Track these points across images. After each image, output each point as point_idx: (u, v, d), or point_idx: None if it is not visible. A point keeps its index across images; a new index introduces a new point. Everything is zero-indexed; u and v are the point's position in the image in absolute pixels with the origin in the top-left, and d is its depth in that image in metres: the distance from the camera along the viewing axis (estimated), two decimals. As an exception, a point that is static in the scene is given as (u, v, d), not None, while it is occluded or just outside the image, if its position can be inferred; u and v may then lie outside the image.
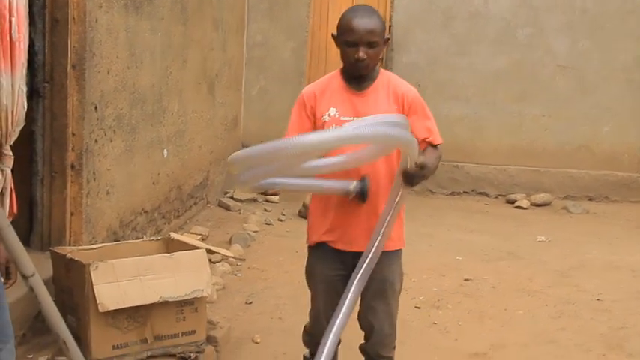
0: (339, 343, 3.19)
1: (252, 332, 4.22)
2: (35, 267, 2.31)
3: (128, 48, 4.64)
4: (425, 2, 8.63)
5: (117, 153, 4.57)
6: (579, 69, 8.61)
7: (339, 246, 2.96)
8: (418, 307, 4.73)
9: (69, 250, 3.58)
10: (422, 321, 4.53)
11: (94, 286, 3.20)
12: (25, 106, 3.05)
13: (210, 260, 3.99)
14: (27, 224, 4.03)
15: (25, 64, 3.02)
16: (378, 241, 2.82)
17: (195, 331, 3.53)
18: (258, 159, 2.49)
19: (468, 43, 8.64)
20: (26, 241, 3.87)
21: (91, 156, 4.17)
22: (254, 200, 7.68)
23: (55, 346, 3.37)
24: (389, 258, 3.00)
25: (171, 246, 3.83)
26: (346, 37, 2.82)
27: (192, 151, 6.39)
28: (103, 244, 3.92)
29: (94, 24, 4.08)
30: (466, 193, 8.68)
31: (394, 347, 3.12)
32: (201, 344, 3.57)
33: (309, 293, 4.82)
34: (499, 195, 8.64)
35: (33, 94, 3.88)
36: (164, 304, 3.39)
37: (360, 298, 3.07)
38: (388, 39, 2.93)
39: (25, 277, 2.06)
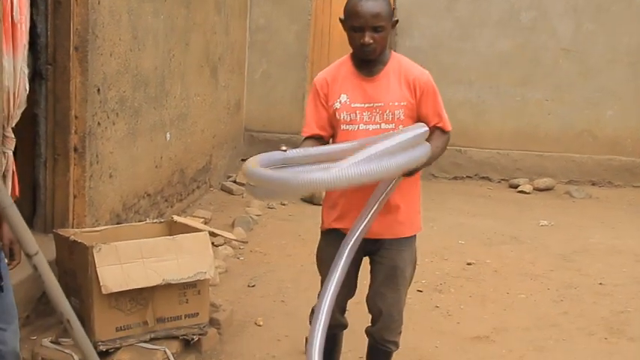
0: (345, 328, 3.20)
1: (254, 315, 4.23)
2: (38, 246, 2.31)
3: (131, 30, 4.62)
4: (429, -16, 8.58)
5: (120, 136, 4.56)
6: (583, 52, 8.56)
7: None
8: (420, 291, 4.74)
9: (72, 233, 3.59)
10: (424, 304, 4.54)
11: (97, 269, 3.21)
12: (27, 89, 3.05)
13: (212, 243, 3.99)
14: (30, 207, 4.03)
15: (27, 46, 3.01)
16: (366, 219, 2.79)
17: (197, 314, 3.54)
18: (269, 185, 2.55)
19: (471, 26, 8.59)
20: (29, 224, 3.86)
21: (94, 139, 4.16)
22: (257, 184, 7.66)
23: (58, 328, 3.39)
24: (400, 244, 2.99)
25: (174, 229, 3.83)
26: (352, 21, 2.80)
27: (195, 135, 6.38)
28: (106, 227, 3.93)
29: (96, 6, 4.06)
30: (469, 177, 8.67)
31: (400, 332, 3.13)
32: (204, 327, 3.58)
33: (311, 276, 4.84)
34: (502, 179, 8.63)
35: (35, 76, 3.88)
36: (167, 287, 3.40)
37: (369, 281, 3.07)
38: (396, 21, 2.90)
39: (28, 256, 2.06)
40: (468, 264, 5.44)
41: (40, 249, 2.11)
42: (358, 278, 3.11)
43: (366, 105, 2.87)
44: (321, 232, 3.12)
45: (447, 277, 5.13)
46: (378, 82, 2.89)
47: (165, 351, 3.36)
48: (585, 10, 8.52)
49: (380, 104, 2.86)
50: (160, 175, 5.44)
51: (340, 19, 2.90)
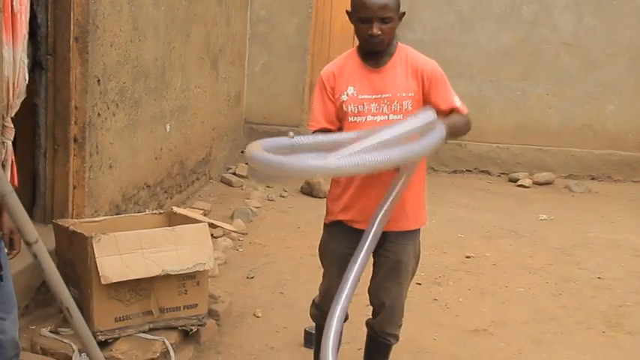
0: (346, 320, 3.20)
1: (253, 307, 4.24)
2: (38, 234, 2.31)
3: (131, 21, 4.61)
4: (430, -22, 8.56)
5: (119, 127, 4.56)
6: (584, 47, 8.54)
7: (355, 224, 2.95)
8: (419, 284, 4.74)
9: (71, 223, 3.60)
10: (423, 297, 4.55)
11: (97, 259, 3.21)
12: (27, 78, 3.05)
13: (212, 235, 4.00)
14: (30, 197, 4.04)
15: (27, 36, 3.01)
16: (380, 215, 2.76)
17: (196, 305, 3.55)
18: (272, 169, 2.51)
19: (472, 20, 8.57)
20: (29, 214, 3.84)
21: (94, 129, 4.16)
22: (257, 176, 7.66)
23: (57, 318, 3.40)
24: (405, 238, 3.00)
25: (174, 220, 3.84)
26: (359, 13, 2.79)
27: (194, 127, 6.38)
28: (106, 218, 3.93)
29: (96, -4, 4.05)
30: (469, 171, 8.67)
31: (400, 325, 3.14)
32: (203, 318, 3.59)
33: (310, 268, 4.85)
34: (502, 173, 8.63)
35: (35, 66, 3.87)
36: (166, 278, 3.40)
37: (372, 274, 3.08)
38: (404, 13, 2.89)
39: (28, 244, 2.07)
40: (467, 257, 5.45)
41: (39, 237, 2.12)
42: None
43: (374, 96, 2.86)
44: (325, 224, 3.11)
45: (446, 270, 5.13)
46: (385, 73, 2.88)
47: (164, 341, 3.37)
48: (586, 4, 8.50)
49: (387, 95, 2.85)
50: (160, 167, 5.45)
51: (347, 12, 2.89)
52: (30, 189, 4.03)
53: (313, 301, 3.27)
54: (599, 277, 5.15)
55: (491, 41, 8.59)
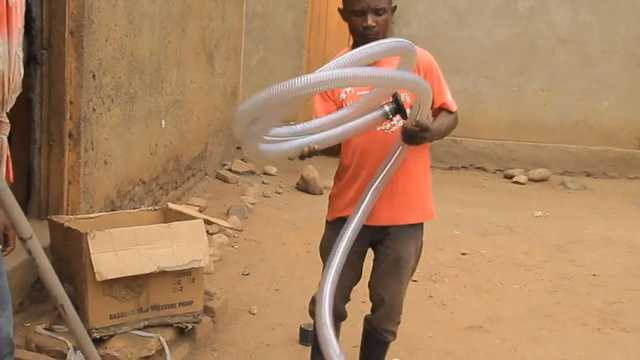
0: (344, 319, 3.20)
1: (248, 303, 4.23)
2: (32, 230, 2.30)
3: (127, 16, 4.59)
4: (426, -27, 8.56)
5: (115, 122, 4.54)
6: (580, 43, 8.56)
7: None
8: (415, 281, 4.72)
9: (66, 219, 3.57)
10: (418, 294, 4.55)
11: (92, 255, 3.19)
12: (22, 73, 3.01)
13: (207, 232, 3.98)
14: (24, 193, 4.01)
15: (22, 30, 2.97)
16: (365, 201, 2.76)
17: (192, 302, 3.53)
18: (264, 105, 2.41)
19: (468, 15, 8.57)
20: (24, 210, 3.80)
21: (89, 125, 4.14)
22: (252, 172, 7.67)
23: (52, 315, 3.39)
24: (407, 235, 2.99)
25: (169, 216, 3.82)
26: (353, 6, 2.78)
27: (190, 122, 6.35)
28: (101, 214, 3.91)
29: (92, -10, 4.03)
30: (464, 167, 8.68)
31: (398, 322, 3.13)
32: (198, 315, 3.58)
33: (305, 265, 4.85)
34: (497, 170, 8.64)
35: (30, 60, 3.85)
36: (161, 274, 3.39)
37: (372, 269, 3.07)
38: (395, 7, 2.88)
39: (23, 241, 2.05)
40: (463, 254, 5.45)
41: (34, 233, 2.10)
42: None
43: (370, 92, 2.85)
44: (328, 222, 3.09)
45: (442, 266, 5.13)
46: (381, 66, 2.87)
47: (159, 339, 3.36)
48: (582, 0, 8.51)
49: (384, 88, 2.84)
50: (155, 163, 5.42)
51: (339, 9, 2.88)
52: (25, 184, 4.01)
53: (312, 298, 3.25)
54: (594, 274, 5.16)
55: (486, 37, 8.59)
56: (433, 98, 2.82)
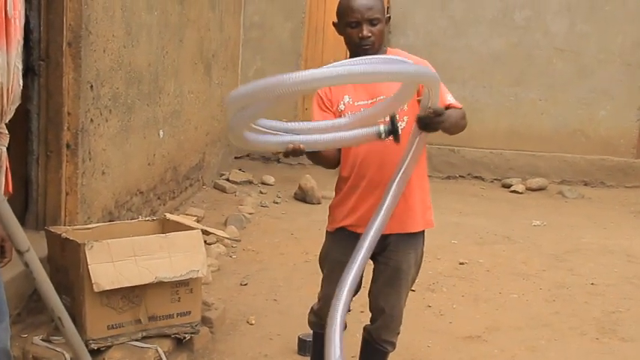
0: (344, 329, 3.18)
1: (247, 314, 4.22)
2: (30, 243, 2.29)
3: (124, 26, 4.60)
4: (423, -17, 8.59)
5: (112, 133, 4.54)
6: (577, 52, 8.59)
7: (359, 229, 2.93)
8: (413, 290, 4.67)
9: (64, 230, 3.57)
10: (416, 304, 4.54)
11: (89, 266, 3.19)
12: (21, 84, 3.01)
13: (205, 242, 3.98)
14: (22, 203, 4.01)
15: (21, 42, 2.98)
16: (384, 210, 2.70)
17: (190, 312, 3.53)
18: (257, 96, 2.38)
19: (465, 25, 8.60)
20: (21, 221, 3.82)
21: (87, 135, 4.14)
22: (250, 182, 7.67)
23: (49, 326, 3.37)
24: (407, 245, 2.98)
25: (167, 226, 3.82)
26: (347, 18, 2.79)
27: (188, 132, 6.36)
28: (99, 224, 3.91)
29: (89, 1, 4.03)
30: (462, 176, 8.69)
31: (398, 333, 3.13)
32: (196, 325, 3.57)
33: (303, 275, 4.84)
34: (495, 179, 8.65)
35: (28, 72, 3.85)
36: (159, 285, 3.38)
37: (372, 279, 3.06)
38: (389, 17, 2.90)
39: (20, 253, 2.05)
40: (461, 263, 5.45)
41: (31, 246, 2.10)
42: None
43: (370, 101, 2.85)
44: (328, 232, 3.08)
45: (440, 276, 5.13)
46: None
47: (157, 349, 3.34)
48: (579, 9, 8.54)
49: (382, 97, 2.85)
50: (153, 173, 5.42)
51: (334, 23, 2.89)
52: (22, 195, 4.00)
53: (312, 308, 3.25)
54: (592, 283, 5.15)
55: (483, 46, 8.62)
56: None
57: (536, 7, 8.57)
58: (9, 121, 2.98)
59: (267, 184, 7.69)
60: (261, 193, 7.34)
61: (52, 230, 3.58)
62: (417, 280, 4.66)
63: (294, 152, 2.57)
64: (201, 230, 3.72)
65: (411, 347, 3.92)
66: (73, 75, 3.98)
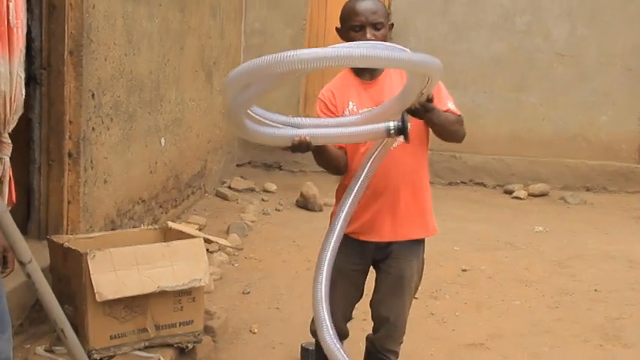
0: (346, 337, 3.17)
1: (249, 322, 4.21)
2: (32, 254, 2.29)
3: (125, 35, 4.60)
4: (424, -11, 8.60)
5: (114, 141, 4.54)
6: (577, 57, 8.59)
7: (361, 237, 2.93)
8: (416, 298, 4.66)
9: (66, 239, 3.57)
10: (419, 311, 4.52)
11: (92, 275, 3.18)
12: (24, 93, 3.02)
13: (207, 250, 3.97)
14: (24, 212, 4.01)
15: (24, 51, 2.98)
16: (348, 203, 2.67)
17: (192, 321, 3.52)
18: (259, 71, 2.31)
19: (466, 29, 8.60)
20: (23, 230, 3.84)
21: (89, 144, 4.14)
22: (252, 190, 7.67)
23: (52, 336, 3.36)
24: (410, 253, 2.98)
25: (169, 235, 3.81)
26: (351, 21, 2.79)
27: (189, 140, 6.36)
28: (101, 233, 3.91)
29: (91, 10, 4.04)
30: (463, 183, 8.68)
31: (401, 342, 3.12)
32: (199, 334, 3.56)
33: (306, 283, 4.80)
34: (497, 185, 8.63)
35: (30, 80, 3.85)
36: (162, 294, 3.37)
37: (374, 288, 3.05)
38: (392, 24, 2.89)
39: (22, 264, 2.04)
40: (463, 270, 5.43)
41: (33, 257, 2.10)
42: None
43: (374, 108, 2.85)
44: None
45: (442, 283, 5.12)
46: (381, 83, 2.88)
47: (159, 359, 3.34)
48: (579, 14, 8.55)
49: None
50: (155, 181, 5.42)
51: (337, 28, 2.89)
52: (24, 204, 4.00)
53: (313, 317, 3.23)
54: (595, 290, 5.14)
55: (484, 51, 8.62)
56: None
57: (536, 12, 8.58)
58: (11, 130, 2.98)
59: (269, 192, 7.68)
60: (263, 200, 7.34)
61: (55, 239, 3.58)
62: (419, 288, 4.67)
63: (300, 145, 2.53)
64: (204, 238, 3.71)
65: (414, 355, 3.91)
66: (75, 83, 3.98)
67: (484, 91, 8.67)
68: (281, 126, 2.60)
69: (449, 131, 2.87)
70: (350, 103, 2.87)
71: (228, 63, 7.69)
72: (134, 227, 4.63)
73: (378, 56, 2.31)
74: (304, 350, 3.74)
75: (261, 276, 5.07)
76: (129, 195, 4.84)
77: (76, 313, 3.32)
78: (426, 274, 5.21)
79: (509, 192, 8.39)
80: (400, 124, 2.59)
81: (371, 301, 3.10)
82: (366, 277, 3.09)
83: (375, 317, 3.10)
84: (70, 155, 4.02)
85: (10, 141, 2.88)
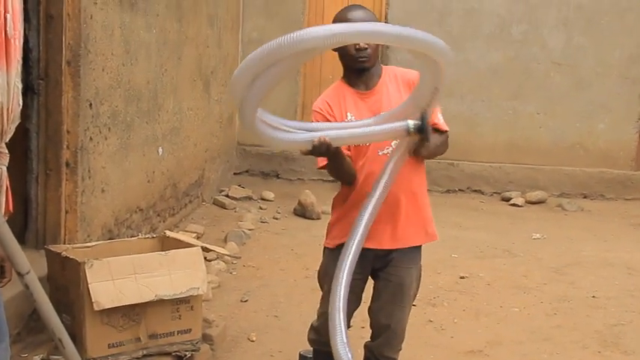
0: None
1: (247, 330, 4.21)
2: (30, 265, 2.29)
3: (123, 45, 4.62)
4: (420, -1, 8.63)
5: (112, 150, 4.55)
6: (574, 66, 8.61)
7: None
8: (414, 305, 4.66)
9: (64, 249, 3.57)
10: (418, 319, 4.52)
11: (89, 285, 3.18)
12: (21, 104, 3.03)
13: (205, 258, 3.97)
14: (22, 222, 4.01)
15: (21, 61, 2.99)
16: (361, 229, 2.69)
17: (190, 330, 3.52)
18: (266, 59, 2.33)
19: (462, 39, 8.63)
20: (21, 239, 3.85)
21: (86, 153, 4.15)
22: (249, 198, 7.67)
23: (49, 345, 3.36)
24: (409, 261, 2.99)
25: (167, 244, 3.81)
26: None
27: (187, 149, 6.37)
28: (98, 242, 3.90)
29: (88, 20, 4.06)
30: (461, 190, 8.68)
31: (400, 349, 3.12)
32: (197, 343, 3.56)
33: (304, 291, 4.82)
34: (494, 192, 8.64)
35: (27, 90, 3.86)
36: (159, 303, 3.37)
37: (373, 296, 3.05)
38: None
39: (20, 275, 2.05)
40: (461, 277, 5.44)
41: (31, 267, 2.10)
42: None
43: (372, 119, 2.85)
44: (327, 248, 3.08)
45: (441, 290, 5.12)
46: (378, 94, 2.89)
47: (157, 367, 3.34)
48: (576, 23, 8.58)
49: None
50: (153, 190, 5.43)
51: None
52: (22, 214, 4.00)
53: (312, 325, 3.23)
54: (593, 296, 5.14)
55: (481, 61, 8.65)
56: None
57: (533, 22, 8.61)
58: (9, 139, 2.99)
59: (267, 200, 7.68)
60: (260, 209, 7.34)
61: (52, 249, 3.58)
62: (417, 295, 4.66)
63: (320, 146, 2.53)
64: (201, 247, 3.72)
65: (413, 363, 3.91)
66: (72, 93, 3.99)
67: (482, 100, 8.70)
68: (296, 131, 2.60)
69: (435, 154, 2.94)
70: (348, 114, 2.86)
71: (225, 72, 7.71)
72: (132, 236, 4.63)
73: (383, 32, 2.38)
74: (303, 358, 3.73)
75: (259, 284, 5.06)
76: (126, 204, 4.84)
77: (73, 322, 3.32)
78: (425, 281, 5.21)
79: (507, 199, 8.40)
80: (420, 122, 2.58)
81: (369, 308, 3.10)
82: (364, 286, 3.09)
83: (374, 325, 3.10)
84: (67, 165, 4.02)
85: (7, 151, 2.89)
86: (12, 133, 2.98)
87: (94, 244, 3.83)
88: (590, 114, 8.65)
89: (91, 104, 4.18)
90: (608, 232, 7.21)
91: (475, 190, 8.68)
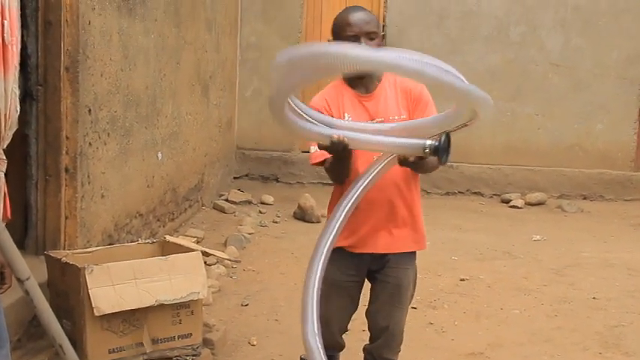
0: (342, 349, 3.17)
1: (248, 334, 4.21)
2: (30, 271, 2.29)
3: (122, 50, 4.62)
4: (418, 2, 8.64)
5: (111, 156, 4.55)
6: (572, 67, 8.62)
7: (357, 249, 2.93)
8: (414, 308, 4.71)
9: (64, 254, 3.57)
10: (418, 321, 4.53)
11: (90, 290, 3.18)
12: (18, 110, 3.03)
13: (205, 263, 3.97)
14: (21, 228, 4.00)
15: (18, 67, 3.00)
16: (343, 212, 2.65)
17: (191, 334, 3.52)
18: (310, 59, 2.30)
19: (460, 42, 8.65)
20: (21, 245, 3.85)
21: (85, 159, 4.15)
22: (249, 202, 7.67)
23: (50, 351, 3.36)
24: (406, 262, 2.99)
25: (167, 249, 3.82)
26: (345, 32, 2.78)
27: (186, 154, 6.37)
28: (98, 248, 3.91)
29: (87, 26, 4.06)
30: (461, 192, 8.69)
31: (399, 351, 3.12)
32: (198, 347, 3.56)
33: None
34: (494, 194, 8.65)
35: (26, 97, 3.86)
36: (160, 308, 3.38)
37: (370, 298, 3.05)
38: (384, 35, 2.91)
39: (20, 281, 2.05)
40: (462, 280, 5.43)
41: (31, 273, 2.10)
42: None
43: (369, 122, 2.85)
44: None
45: (441, 293, 5.12)
46: (376, 98, 2.89)
47: (158, 372, 3.34)
48: (573, 24, 8.59)
49: (381, 119, 2.86)
50: (152, 195, 5.43)
51: (329, 41, 2.89)
52: (21, 220, 4.00)
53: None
54: (594, 298, 5.14)
55: (479, 62, 8.66)
56: None
57: (531, 23, 8.62)
58: (7, 146, 2.99)
59: (267, 204, 7.69)
60: (260, 212, 7.34)
61: (52, 255, 3.58)
62: (418, 297, 4.65)
63: (338, 145, 2.52)
64: (201, 251, 3.72)
65: (414, 365, 3.91)
66: (71, 99, 3.99)
67: (480, 102, 8.70)
68: (318, 123, 2.60)
69: (429, 171, 2.95)
70: (346, 114, 2.87)
71: (224, 77, 7.72)
72: (132, 241, 4.62)
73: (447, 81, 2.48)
74: (303, 362, 3.73)
75: (259, 288, 5.06)
76: (126, 209, 4.85)
77: (74, 327, 3.32)
78: (425, 283, 5.24)
79: (507, 201, 8.40)
80: (437, 144, 2.56)
81: (367, 311, 3.09)
82: (361, 289, 3.09)
83: (372, 327, 3.09)
84: (67, 170, 4.02)
85: (4, 157, 2.89)
86: (9, 140, 2.98)
87: (94, 249, 3.84)
88: (588, 115, 8.66)
89: (90, 110, 4.18)
90: (608, 233, 7.21)
91: (474, 193, 8.69)
